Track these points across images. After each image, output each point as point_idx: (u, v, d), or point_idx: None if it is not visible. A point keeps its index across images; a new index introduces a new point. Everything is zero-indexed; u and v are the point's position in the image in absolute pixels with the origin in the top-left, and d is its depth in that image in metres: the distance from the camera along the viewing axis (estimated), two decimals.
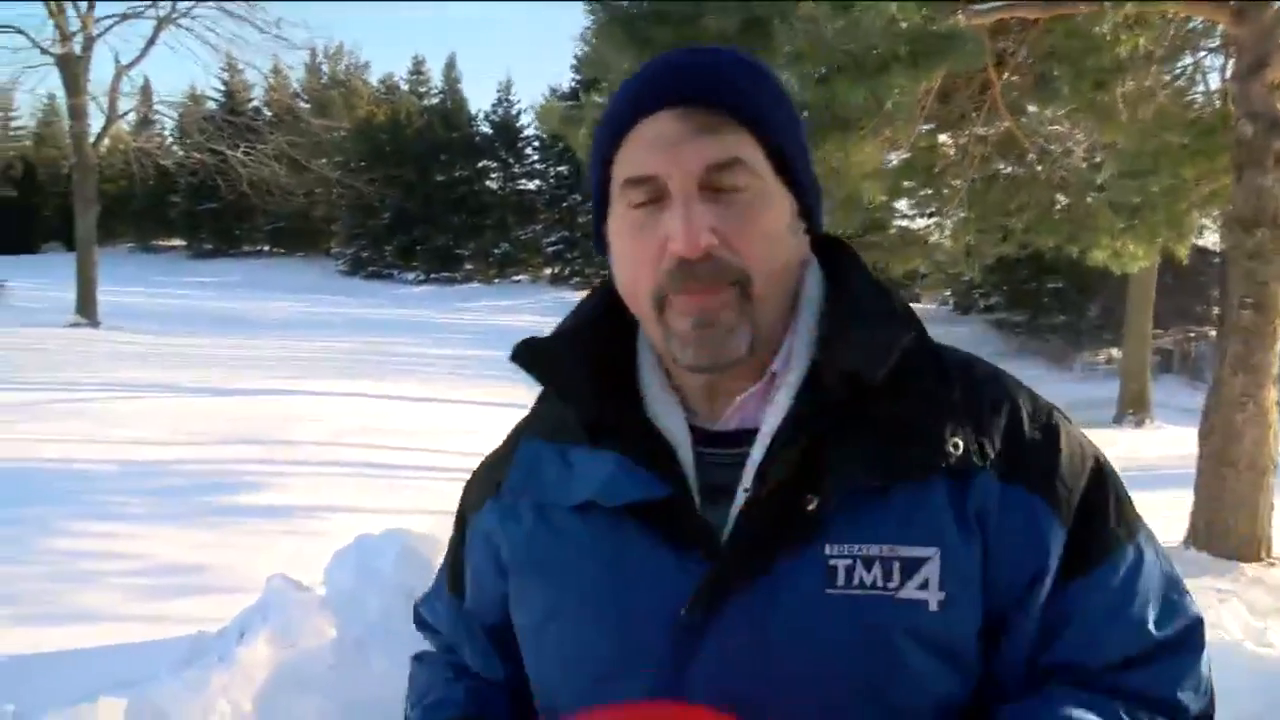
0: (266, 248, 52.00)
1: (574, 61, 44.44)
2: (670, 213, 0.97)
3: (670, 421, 1.07)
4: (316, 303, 34.80)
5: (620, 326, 1.12)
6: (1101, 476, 1.03)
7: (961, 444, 0.98)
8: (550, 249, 46.81)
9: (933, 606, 0.95)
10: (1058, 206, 9.65)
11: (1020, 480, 0.99)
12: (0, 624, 5.42)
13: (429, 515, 7.07)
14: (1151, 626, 0.99)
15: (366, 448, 10.87)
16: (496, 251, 47.42)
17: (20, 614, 5.62)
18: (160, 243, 52.78)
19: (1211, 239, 27.04)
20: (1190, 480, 7.09)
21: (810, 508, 0.96)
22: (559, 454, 1.11)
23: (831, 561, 0.96)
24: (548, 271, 47.63)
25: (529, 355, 1.12)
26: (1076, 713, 0.96)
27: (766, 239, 1.00)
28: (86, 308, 25.35)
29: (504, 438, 1.24)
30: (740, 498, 1.00)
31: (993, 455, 0.99)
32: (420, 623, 1.37)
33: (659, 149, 0.98)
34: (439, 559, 4.68)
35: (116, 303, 27.16)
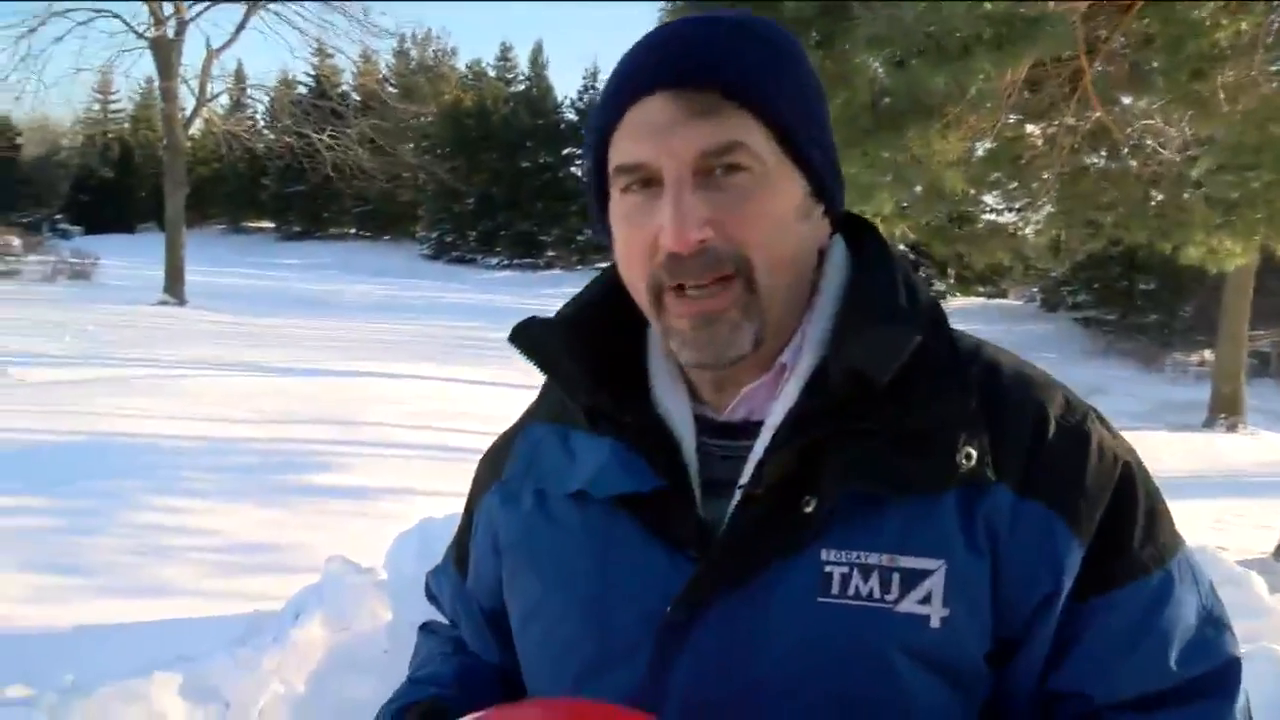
0: (353, 230, 52.81)
1: None
2: (661, 203, 0.91)
3: (675, 410, 1.01)
4: (400, 286, 35.25)
5: (630, 310, 1.05)
6: (1131, 489, 0.94)
7: (975, 454, 0.90)
8: None
9: (934, 623, 0.89)
10: (1150, 202, 9.34)
11: (1038, 494, 0.90)
12: (68, 594, 5.53)
13: None
14: (1174, 663, 0.90)
15: (441, 431, 10.91)
16: (579, 238, 47.57)
17: (88, 585, 5.74)
18: (250, 224, 53.88)
19: None
20: None
21: (808, 509, 0.90)
22: (561, 438, 1.07)
23: (827, 568, 0.90)
24: None
25: (526, 338, 1.06)
26: None
27: (770, 225, 0.92)
28: (174, 286, 25.95)
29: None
30: (737, 494, 0.94)
31: (1010, 466, 0.91)
32: (429, 595, 1.36)
33: (650, 135, 0.91)
34: None
35: (205, 283, 27.78)
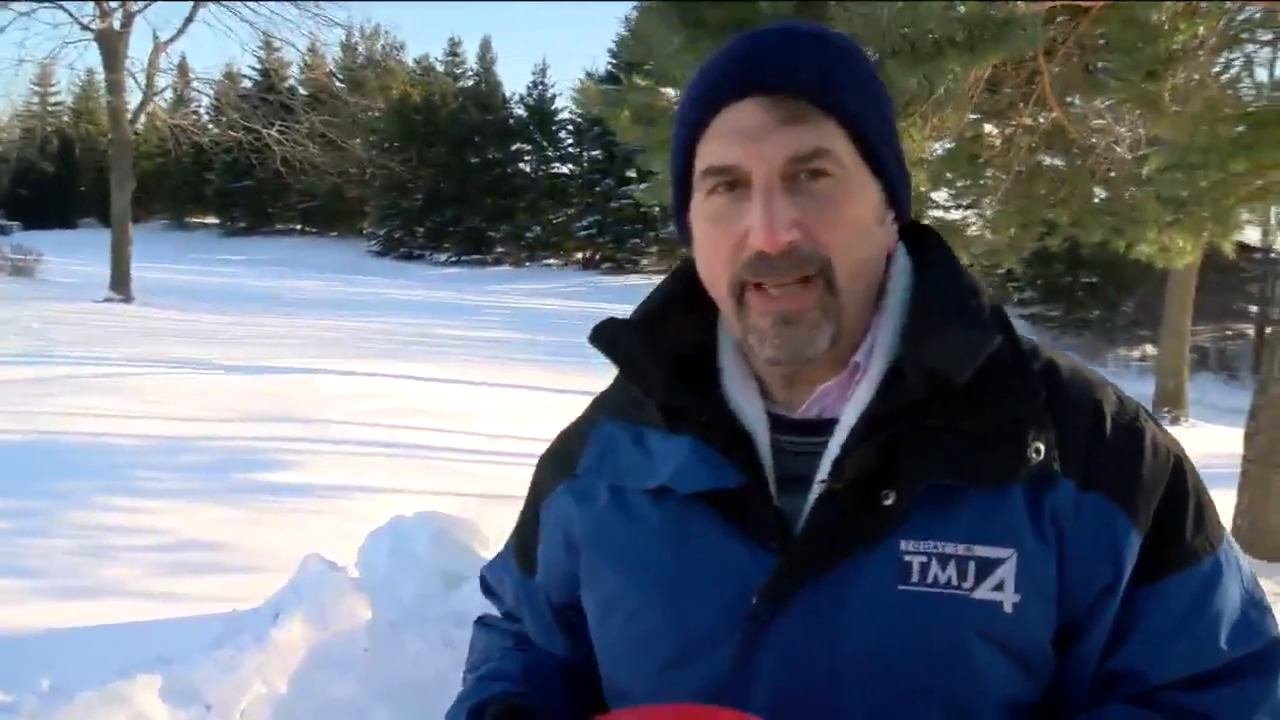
0: (299, 227, 52.38)
1: (612, 45, 44.64)
2: (752, 204, 0.94)
3: (748, 408, 1.04)
4: (348, 282, 34.99)
5: (700, 308, 1.09)
6: (1183, 482, 0.99)
7: (1043, 449, 0.94)
8: (582, 233, 46.80)
9: (1006, 608, 0.93)
10: (1102, 199, 9.51)
11: (1099, 487, 0.95)
12: (29, 597, 5.44)
13: (463, 498, 7.06)
14: (1224, 644, 0.95)
15: (399, 429, 10.85)
16: (528, 235, 47.51)
17: (51, 587, 5.65)
18: (194, 220, 53.20)
19: (1254, 235, 26.73)
20: (1227, 480, 6.98)
21: (887, 502, 0.94)
22: (635, 436, 1.09)
23: (906, 558, 0.94)
24: (579, 256, 47.70)
25: (606, 338, 1.10)
26: None
27: (851, 229, 0.96)
28: (120, 283, 25.55)
29: (579, 415, 1.23)
30: (816, 489, 0.98)
31: (1073, 461, 0.95)
32: (486, 588, 1.37)
33: (742, 140, 0.95)
34: (474, 542, 4.64)
35: (150, 279, 27.36)
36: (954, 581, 0.93)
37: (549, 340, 22.79)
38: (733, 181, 0.96)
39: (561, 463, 1.19)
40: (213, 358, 15.46)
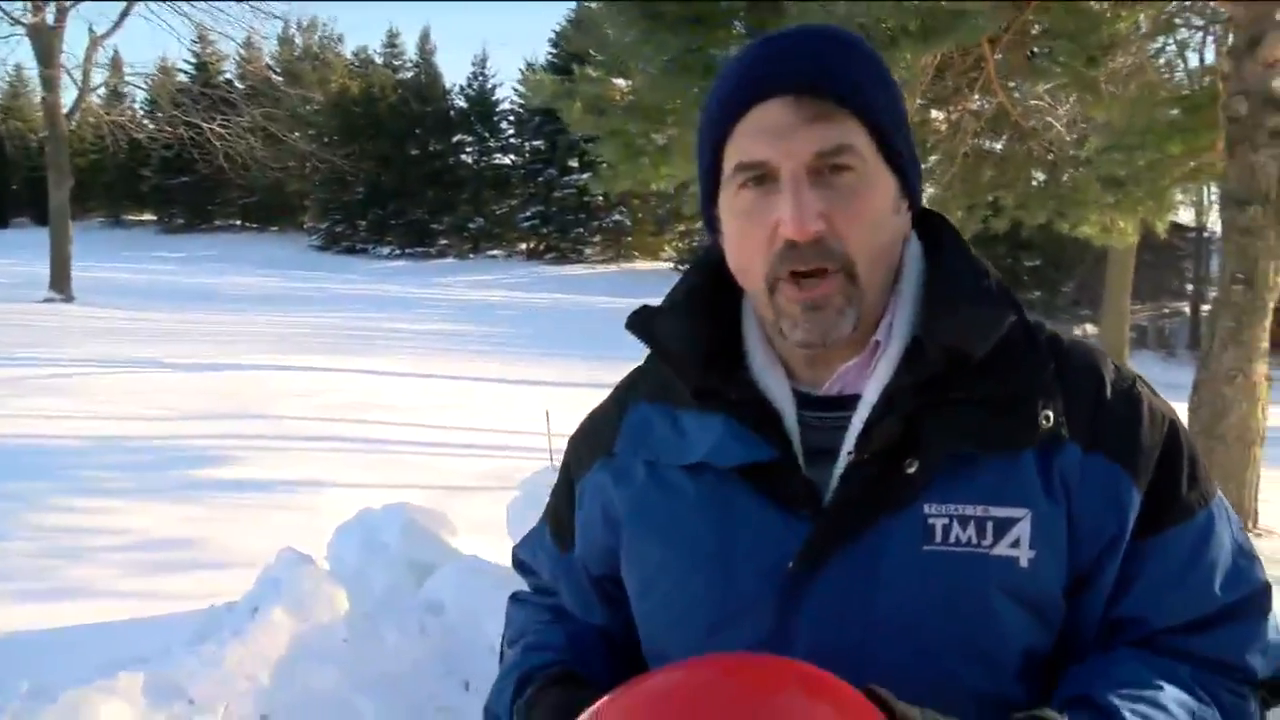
0: (239, 222, 51.59)
1: (553, 34, 44.50)
2: (782, 197, 1.01)
3: (775, 387, 1.11)
4: (291, 278, 34.57)
5: (724, 293, 1.17)
6: (1178, 442, 1.07)
7: (1052, 416, 1.02)
8: (525, 224, 46.56)
9: (1023, 563, 1.01)
10: (1043, 182, 9.72)
11: (1102, 448, 1.03)
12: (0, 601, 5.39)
13: (427, 490, 7.09)
14: (1218, 590, 1.03)
15: (354, 423, 10.83)
16: (471, 227, 47.19)
17: (19, 590, 5.61)
18: (131, 217, 52.25)
19: (1188, 216, 27.22)
20: None
21: (910, 470, 1.01)
22: (668, 416, 1.16)
23: (930, 520, 1.01)
24: (523, 246, 47.47)
25: (642, 325, 1.18)
26: (1144, 672, 1.01)
27: (871, 223, 1.04)
28: (60, 282, 25.07)
29: (606, 399, 1.30)
30: (843, 460, 1.05)
31: (1079, 425, 1.03)
32: (519, 565, 1.41)
33: (772, 137, 1.02)
34: (443, 532, 4.70)
35: (89, 278, 26.91)
36: (974, 540, 1.00)
37: (498, 332, 22.79)
38: (762, 176, 1.03)
39: (597, 441, 1.25)
40: (161, 356, 15.28)
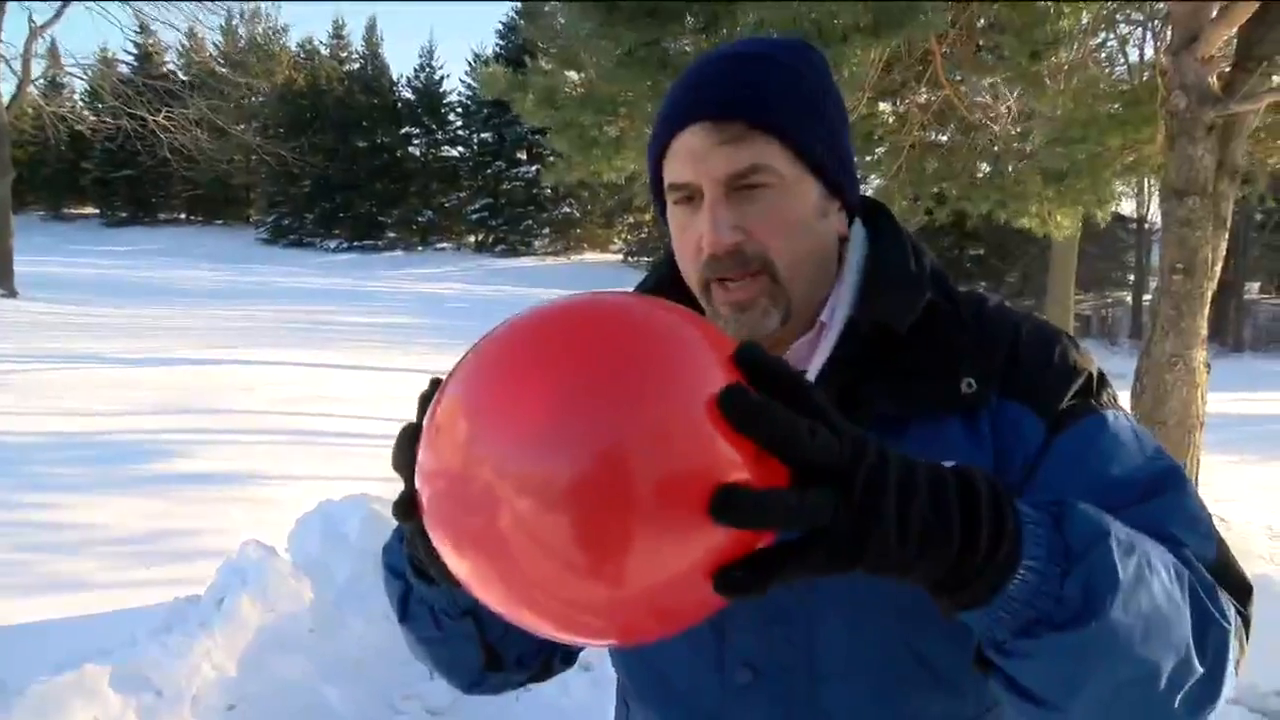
0: (184, 215, 51.01)
1: (500, 26, 44.31)
2: (701, 215, 1.12)
3: None
4: (239, 271, 34.23)
5: (686, 289, 1.25)
6: (1089, 380, 1.12)
7: (974, 382, 1.10)
8: (474, 216, 46.48)
9: None
10: (986, 173, 9.91)
11: (1014, 394, 1.10)
12: None
13: (385, 482, 7.09)
14: (1119, 475, 1.04)
15: (309, 416, 10.82)
16: (420, 219, 47.06)
17: None
18: (72, 210, 51.43)
19: (1129, 207, 27.69)
20: None
21: None
22: None
23: None
24: (472, 239, 47.37)
25: None
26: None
27: (789, 230, 1.13)
28: (2, 277, 24.68)
29: None
30: None
31: (994, 379, 1.11)
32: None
33: (691, 160, 1.12)
34: None
35: (32, 272, 26.42)
36: None
37: (449, 324, 22.69)
38: (689, 195, 1.14)
39: None
40: (109, 351, 15.12)
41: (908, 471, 0.74)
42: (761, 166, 1.10)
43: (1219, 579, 0.94)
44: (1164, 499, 1.01)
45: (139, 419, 10.34)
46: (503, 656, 1.17)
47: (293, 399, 11.82)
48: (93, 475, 8.00)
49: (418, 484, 0.72)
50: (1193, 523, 0.99)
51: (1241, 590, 0.97)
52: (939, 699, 1.15)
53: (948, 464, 0.80)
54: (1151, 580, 0.83)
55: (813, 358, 1.17)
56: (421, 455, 0.71)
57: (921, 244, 1.23)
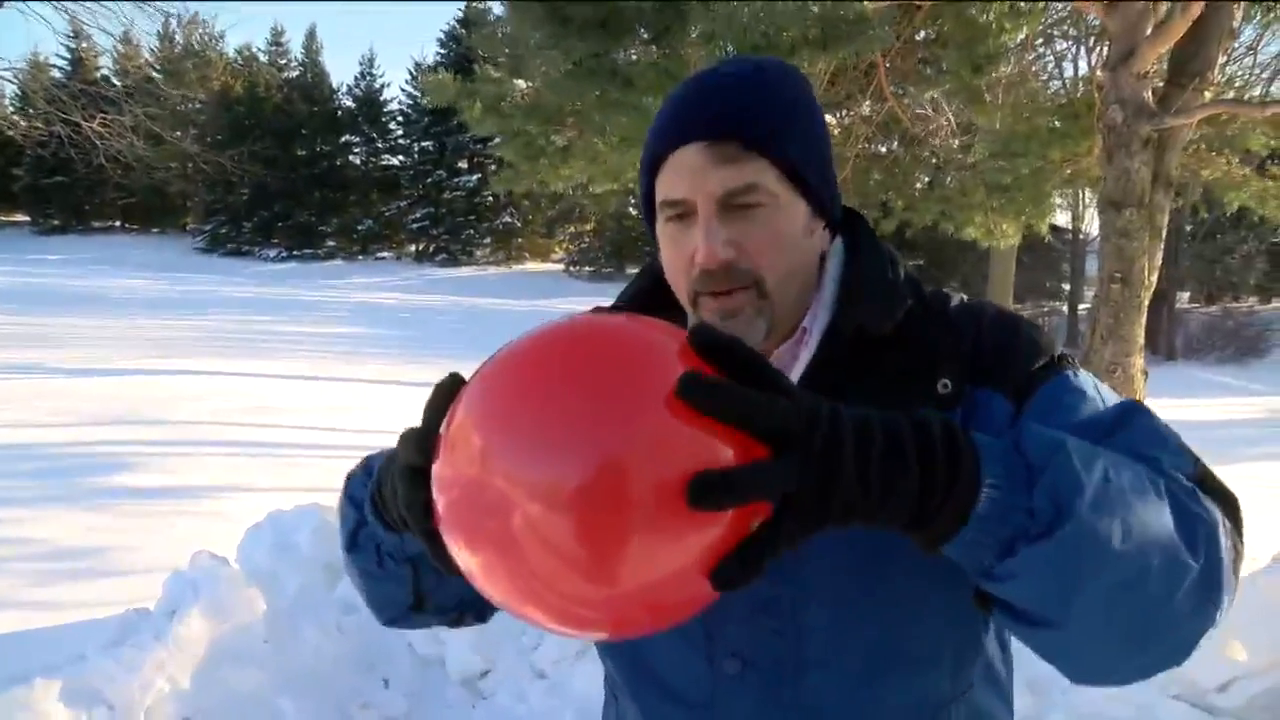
0: (118, 223, 50.12)
1: (441, 35, 44.10)
2: (697, 230, 1.16)
3: None
4: (177, 281, 33.73)
5: (666, 302, 1.28)
6: (1053, 361, 1.16)
7: (950, 382, 1.15)
8: (414, 225, 46.18)
9: None
10: (925, 185, 10.08)
11: (984, 381, 1.15)
12: None
13: (331, 493, 7.02)
14: (1083, 420, 1.06)
15: (253, 426, 10.71)
16: (360, 228, 46.65)
17: None
18: (1, 219, 50.36)
19: (1064, 218, 28.16)
20: None
21: None
22: None
23: None
24: (412, 248, 47.07)
25: None
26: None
27: (779, 247, 1.17)
28: None
29: None
30: None
31: (964, 372, 1.16)
32: None
33: (686, 177, 1.16)
34: None
35: None
36: None
37: (391, 334, 22.57)
38: (683, 212, 1.18)
39: None
40: (46, 361, 14.87)
41: (862, 424, 0.78)
42: (756, 186, 1.14)
43: (1198, 483, 0.95)
44: (1130, 429, 1.01)
45: (83, 430, 10.18)
46: (427, 600, 1.20)
47: (236, 410, 11.70)
48: (34, 488, 7.86)
49: (435, 488, 0.79)
50: (1162, 441, 0.99)
51: (1225, 499, 0.96)
52: (919, 681, 1.20)
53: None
54: (1120, 479, 0.85)
55: (795, 364, 1.21)
56: (438, 467, 0.78)
57: (896, 253, 1.29)
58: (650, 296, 1.31)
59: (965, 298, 1.27)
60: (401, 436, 0.83)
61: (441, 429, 0.79)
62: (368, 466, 1.26)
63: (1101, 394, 1.12)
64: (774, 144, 1.16)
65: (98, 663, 3.84)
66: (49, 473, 8.33)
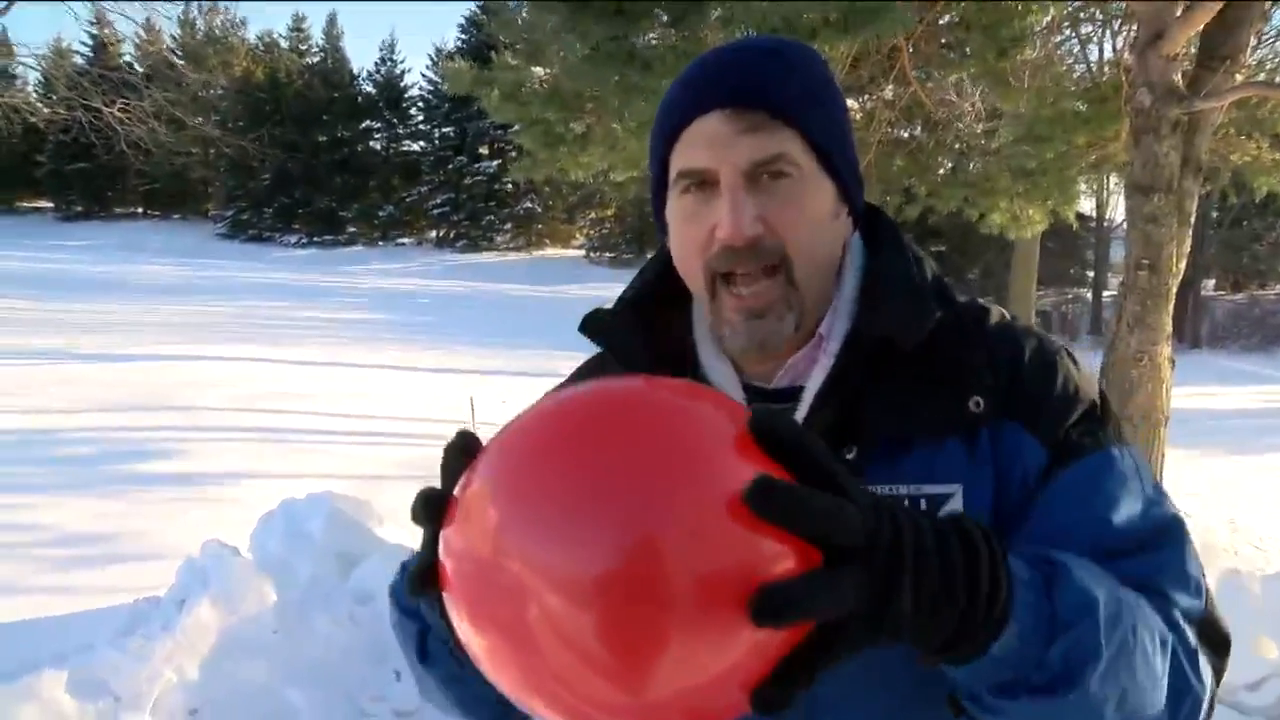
0: (140, 209, 50.36)
1: (462, 20, 44.03)
2: (720, 202, 1.05)
3: (725, 381, 1.15)
4: (198, 267, 33.86)
5: (674, 295, 1.20)
6: (1093, 408, 1.10)
7: (982, 402, 1.07)
8: (435, 211, 46.25)
9: None
10: (953, 170, 9.94)
11: (1013, 414, 1.07)
12: None
13: (349, 479, 7.02)
14: (1120, 521, 1.02)
15: (270, 413, 10.69)
16: (381, 214, 46.73)
17: None
18: (25, 204, 50.64)
19: (1088, 205, 27.96)
20: None
21: (849, 456, 1.06)
22: None
23: None
24: (433, 234, 47.14)
25: (595, 327, 1.20)
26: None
27: (808, 225, 1.08)
28: None
29: (563, 384, 1.31)
30: None
31: (999, 400, 1.07)
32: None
33: (710, 146, 1.06)
34: (369, 521, 4.65)
35: None
36: None
37: (411, 320, 22.57)
38: (702, 182, 1.07)
39: None
40: (68, 347, 14.93)
41: (918, 536, 0.72)
42: (784, 156, 1.05)
43: (1202, 634, 0.96)
44: (1161, 553, 1.00)
45: (101, 416, 10.19)
46: None
47: (253, 396, 11.69)
48: (49, 475, 7.86)
49: (442, 554, 0.70)
50: (1185, 580, 0.99)
51: (1221, 645, 0.99)
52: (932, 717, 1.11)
53: (946, 511, 0.84)
54: (1134, 653, 0.84)
55: (811, 371, 1.12)
56: (449, 531, 0.69)
57: (921, 252, 1.19)
58: (656, 294, 1.21)
59: (1005, 314, 1.19)
60: (417, 495, 0.74)
61: (456, 491, 0.70)
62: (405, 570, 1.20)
63: (1144, 486, 1.06)
64: (802, 115, 1.07)
65: (105, 653, 3.81)
66: (65, 459, 8.34)
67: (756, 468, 0.64)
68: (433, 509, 0.72)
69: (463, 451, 0.73)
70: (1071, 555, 0.89)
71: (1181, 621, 0.94)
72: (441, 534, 0.70)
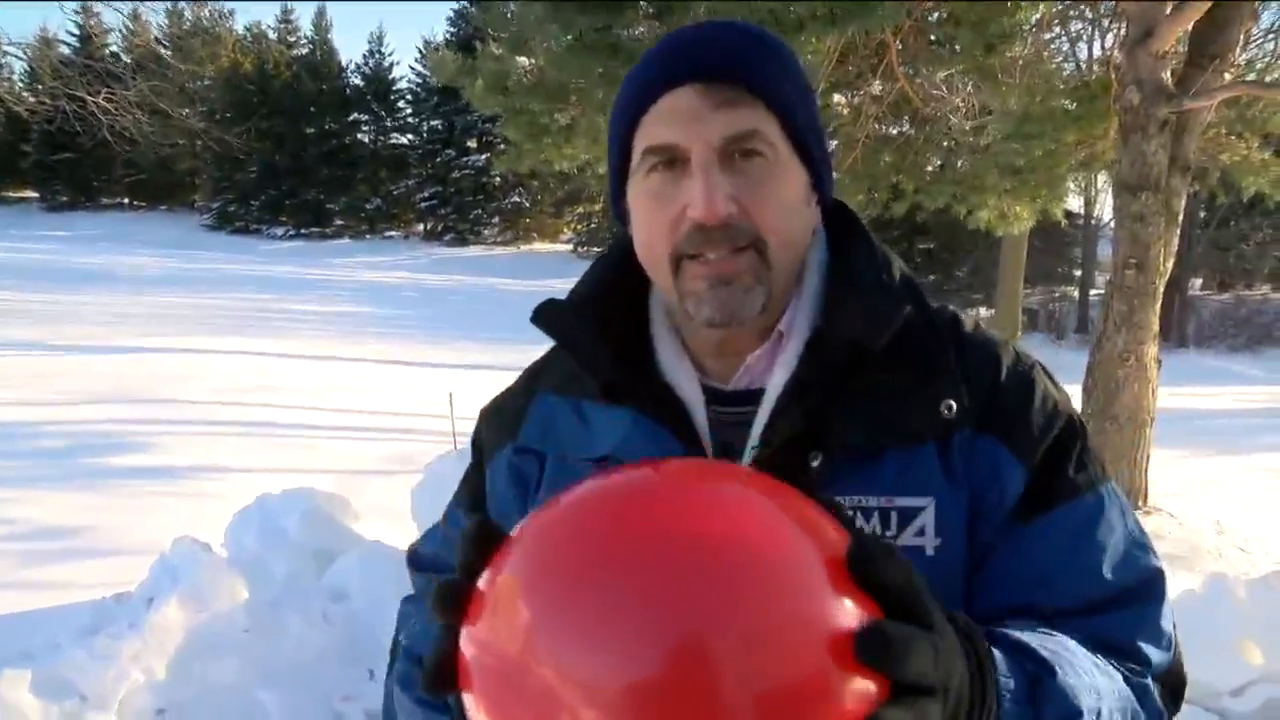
0: (126, 200, 50.13)
1: (450, 12, 43.90)
2: (691, 180, 0.99)
3: (684, 382, 1.09)
4: (184, 258, 33.70)
5: (633, 287, 1.14)
6: (1072, 428, 1.07)
7: (954, 406, 1.02)
8: (423, 204, 46.12)
9: (929, 551, 1.00)
10: (935, 168, 9.92)
11: (990, 429, 1.03)
12: None
13: (327, 474, 6.96)
14: (1108, 573, 1.01)
15: (251, 406, 10.61)
16: (368, 207, 46.59)
17: None
18: (10, 194, 50.36)
19: (1076, 203, 27.97)
20: None
21: (815, 464, 1.00)
22: (573, 408, 1.14)
23: None
24: (420, 227, 47.03)
25: (547, 319, 1.13)
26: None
27: (782, 207, 1.02)
28: None
29: (517, 379, 1.26)
30: (749, 454, 1.03)
31: (974, 411, 1.03)
32: (417, 563, 1.35)
33: (681, 121, 1.00)
34: (346, 519, 4.58)
35: None
36: (879, 532, 0.99)
37: (397, 314, 22.49)
38: (671, 160, 1.01)
39: (504, 421, 1.22)
40: (48, 338, 14.82)
41: (970, 687, 0.73)
42: (758, 133, 1.00)
43: (1165, 684, 1.02)
44: (1140, 608, 1.02)
45: (80, 408, 10.10)
46: None
47: (234, 389, 11.61)
48: (26, 468, 7.78)
49: (463, 644, 0.64)
50: (1159, 636, 1.02)
51: (1179, 689, 1.05)
52: None
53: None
54: None
55: (772, 371, 1.06)
56: (475, 624, 0.63)
57: (889, 249, 1.13)
58: (610, 285, 1.15)
59: (979, 323, 1.14)
60: (436, 586, 0.69)
61: (481, 583, 0.65)
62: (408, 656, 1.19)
63: (1130, 532, 1.06)
64: (780, 94, 1.02)
65: (71, 652, 3.73)
66: (43, 452, 8.26)
67: (853, 602, 0.61)
68: (453, 601, 0.66)
69: (484, 541, 0.68)
70: (1060, 640, 0.91)
71: (1151, 686, 0.99)
72: (464, 630, 0.64)
